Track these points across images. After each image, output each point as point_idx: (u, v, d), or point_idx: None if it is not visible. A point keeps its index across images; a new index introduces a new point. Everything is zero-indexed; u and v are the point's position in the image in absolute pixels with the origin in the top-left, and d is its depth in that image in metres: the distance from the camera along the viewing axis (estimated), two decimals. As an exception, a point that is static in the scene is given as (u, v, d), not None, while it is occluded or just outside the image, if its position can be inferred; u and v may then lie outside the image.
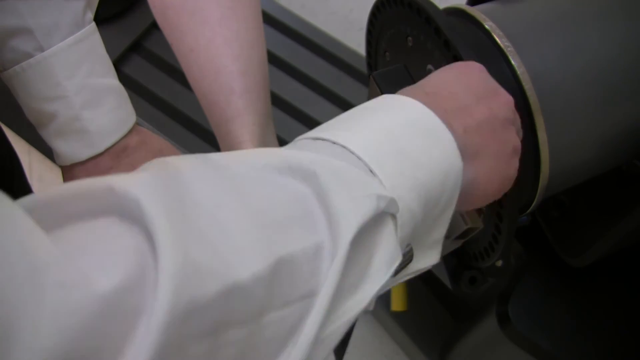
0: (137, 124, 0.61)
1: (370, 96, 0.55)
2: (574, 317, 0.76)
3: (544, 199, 0.57)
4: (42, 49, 0.52)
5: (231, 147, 0.58)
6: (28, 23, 0.51)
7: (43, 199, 0.27)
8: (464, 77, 0.43)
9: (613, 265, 0.75)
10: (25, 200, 0.26)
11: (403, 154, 0.37)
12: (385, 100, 0.41)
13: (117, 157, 0.55)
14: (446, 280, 0.61)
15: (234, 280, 0.28)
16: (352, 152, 0.36)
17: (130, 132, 0.58)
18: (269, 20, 1.63)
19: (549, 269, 0.78)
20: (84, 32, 0.55)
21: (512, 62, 0.51)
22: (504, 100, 0.43)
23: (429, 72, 0.52)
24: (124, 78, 1.59)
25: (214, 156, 0.33)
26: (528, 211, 0.58)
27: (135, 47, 1.61)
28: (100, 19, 0.66)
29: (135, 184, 0.28)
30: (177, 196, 0.28)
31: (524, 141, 0.45)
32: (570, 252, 0.69)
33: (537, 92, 0.51)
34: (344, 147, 0.37)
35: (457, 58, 0.47)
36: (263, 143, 0.60)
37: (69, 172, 0.55)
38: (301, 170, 0.34)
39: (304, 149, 0.38)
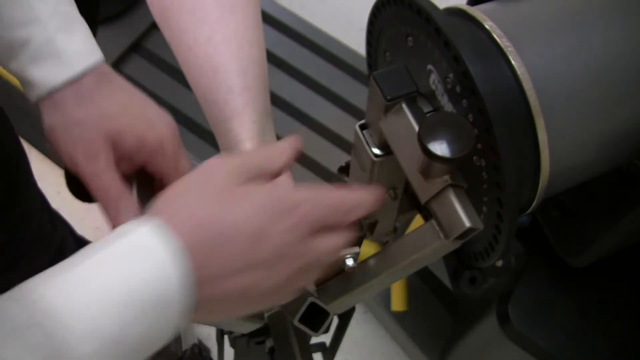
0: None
1: (371, 96, 0.55)
2: (574, 317, 0.76)
3: (545, 199, 0.57)
4: None
5: (230, 146, 0.58)
6: None
7: None
8: (249, 249, 0.41)
9: (613, 265, 0.75)
10: None
11: (119, 336, 0.36)
12: (124, 249, 0.39)
13: (99, 81, 0.52)
14: (446, 280, 0.61)
15: None
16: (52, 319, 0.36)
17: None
18: (269, 20, 1.63)
19: (549, 269, 0.78)
20: None
21: (513, 62, 0.51)
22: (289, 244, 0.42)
23: (429, 72, 0.52)
24: (124, 78, 1.59)
25: None
26: (528, 211, 0.58)
27: (135, 47, 1.61)
28: (101, 19, 0.66)
29: None
30: None
31: (524, 142, 0.46)
32: (570, 252, 0.69)
33: (538, 92, 0.51)
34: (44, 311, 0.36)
35: (457, 58, 0.47)
36: (262, 142, 0.60)
37: (49, 104, 0.51)
38: None
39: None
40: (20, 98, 0.74)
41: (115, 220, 0.51)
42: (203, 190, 0.42)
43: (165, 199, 0.43)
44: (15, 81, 0.73)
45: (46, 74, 0.50)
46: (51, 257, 0.86)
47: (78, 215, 1.12)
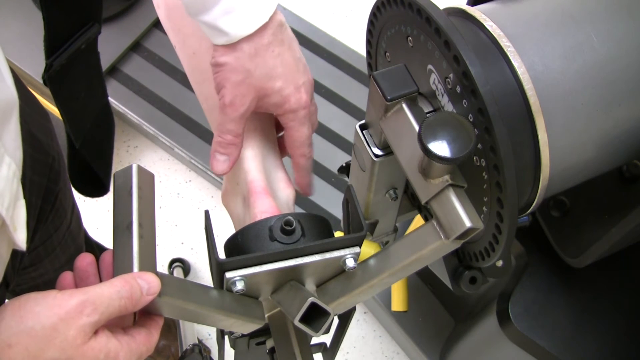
0: None
1: (371, 96, 0.55)
2: (574, 317, 0.76)
3: (545, 199, 0.57)
4: None
5: None
6: None
7: None
8: None
9: (613, 265, 0.75)
10: None
11: None
12: None
13: (273, 35, 0.57)
14: (446, 280, 0.61)
15: None
16: None
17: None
18: (269, 20, 1.64)
19: (549, 269, 0.78)
20: None
21: (513, 62, 0.51)
22: None
23: (430, 72, 0.53)
24: (124, 78, 1.59)
25: None
26: (529, 211, 0.58)
27: (135, 47, 1.61)
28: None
29: None
30: None
31: (524, 142, 0.46)
32: (570, 252, 0.69)
33: (538, 92, 0.51)
34: None
35: (457, 58, 0.47)
36: (263, 148, 0.60)
37: (230, 46, 0.56)
38: None
39: None
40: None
41: (212, 158, 0.58)
42: (50, 338, 0.43)
43: (13, 327, 0.43)
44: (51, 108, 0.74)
45: (237, 26, 0.55)
46: (72, 252, 0.87)
47: (78, 215, 1.12)
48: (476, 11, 0.55)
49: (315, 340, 0.63)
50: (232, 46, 0.55)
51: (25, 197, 0.53)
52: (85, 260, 0.50)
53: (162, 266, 1.51)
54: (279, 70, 0.57)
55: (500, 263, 0.56)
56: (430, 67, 0.52)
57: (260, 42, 0.55)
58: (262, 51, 0.56)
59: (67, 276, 0.50)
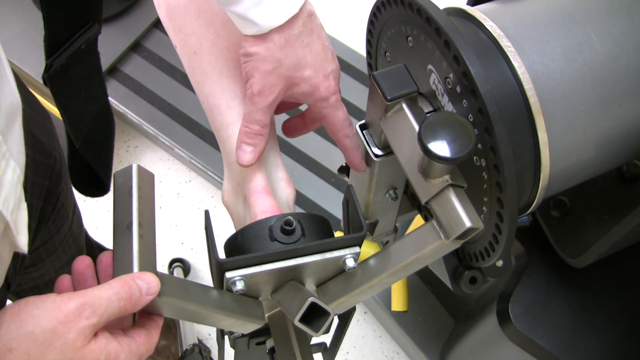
0: None
1: (371, 96, 0.55)
2: (574, 317, 0.76)
3: (545, 199, 0.57)
4: None
5: (231, 152, 0.58)
6: None
7: None
8: None
9: (613, 265, 0.75)
10: None
11: None
12: None
13: (304, 25, 0.57)
14: (446, 280, 0.61)
15: None
16: None
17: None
18: (269, 20, 1.63)
19: (549, 268, 0.78)
20: None
21: (513, 62, 0.51)
22: None
23: (430, 72, 0.53)
24: (124, 78, 1.59)
25: None
26: (529, 211, 0.58)
27: (135, 47, 1.61)
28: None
29: None
30: None
31: (524, 142, 0.46)
32: (570, 252, 0.69)
33: (538, 92, 0.51)
34: None
35: (457, 58, 0.47)
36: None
37: (259, 36, 0.55)
38: None
39: None
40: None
41: (238, 149, 0.57)
42: (50, 341, 0.43)
43: (15, 329, 0.44)
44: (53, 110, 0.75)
45: (267, 17, 0.54)
46: (72, 253, 0.87)
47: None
48: (476, 11, 0.55)
49: (315, 340, 0.63)
50: (262, 37, 0.55)
51: (26, 199, 0.53)
52: (83, 262, 0.50)
53: (162, 266, 1.51)
54: (308, 60, 0.57)
55: (500, 263, 0.56)
56: (430, 67, 0.52)
57: (291, 32, 0.55)
58: (292, 41, 0.56)
59: (64, 279, 0.50)
